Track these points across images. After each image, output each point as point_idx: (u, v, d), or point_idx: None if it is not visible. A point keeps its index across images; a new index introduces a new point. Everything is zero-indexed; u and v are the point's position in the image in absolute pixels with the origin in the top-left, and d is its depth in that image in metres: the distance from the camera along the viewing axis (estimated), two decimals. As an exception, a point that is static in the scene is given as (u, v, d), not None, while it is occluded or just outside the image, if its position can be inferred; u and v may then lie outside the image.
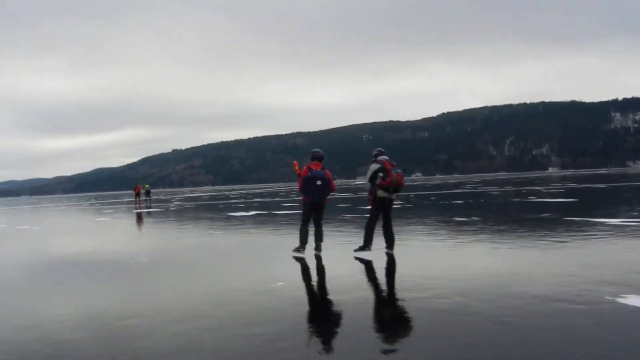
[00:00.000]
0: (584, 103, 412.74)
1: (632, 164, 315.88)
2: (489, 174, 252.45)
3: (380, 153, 12.06)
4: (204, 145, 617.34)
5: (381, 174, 11.58)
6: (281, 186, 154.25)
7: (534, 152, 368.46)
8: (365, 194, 12.20)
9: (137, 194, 53.65)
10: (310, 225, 12.32)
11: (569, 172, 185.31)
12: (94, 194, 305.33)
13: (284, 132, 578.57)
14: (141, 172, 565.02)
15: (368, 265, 10.66)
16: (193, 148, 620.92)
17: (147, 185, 53.80)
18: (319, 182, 11.91)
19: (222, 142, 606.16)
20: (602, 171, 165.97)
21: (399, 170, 11.72)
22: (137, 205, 49.18)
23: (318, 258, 11.77)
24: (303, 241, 12.27)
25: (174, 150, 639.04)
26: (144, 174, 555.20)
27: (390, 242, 11.97)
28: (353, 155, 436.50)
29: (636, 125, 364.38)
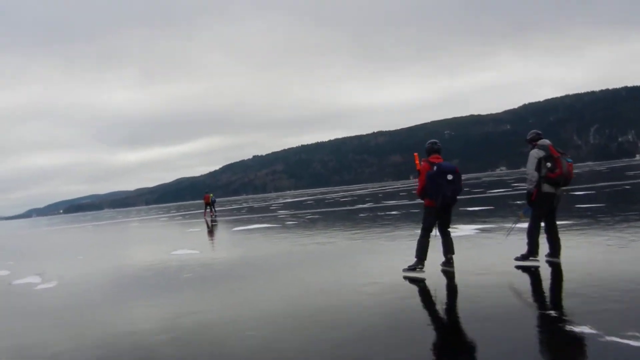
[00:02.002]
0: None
1: None
2: (577, 164, 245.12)
3: (538, 135, 10.23)
4: (284, 150, 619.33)
5: (548, 164, 9.66)
6: (377, 186, 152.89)
7: (619, 139, 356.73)
8: (529, 186, 9.95)
9: (207, 204, 49.22)
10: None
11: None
12: (175, 204, 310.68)
13: (364, 132, 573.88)
14: (223, 180, 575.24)
15: (535, 278, 9.09)
16: (274, 153, 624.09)
17: (211, 194, 50.65)
18: (450, 177, 9.60)
19: (302, 146, 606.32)
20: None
21: (569, 160, 9.80)
22: (211, 215, 47.21)
23: (449, 275, 9.68)
24: (422, 256, 9.97)
25: (254, 157, 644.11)
26: (226, 181, 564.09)
27: (556, 249, 10.06)
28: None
29: None
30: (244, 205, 78.18)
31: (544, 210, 9.93)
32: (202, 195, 50.34)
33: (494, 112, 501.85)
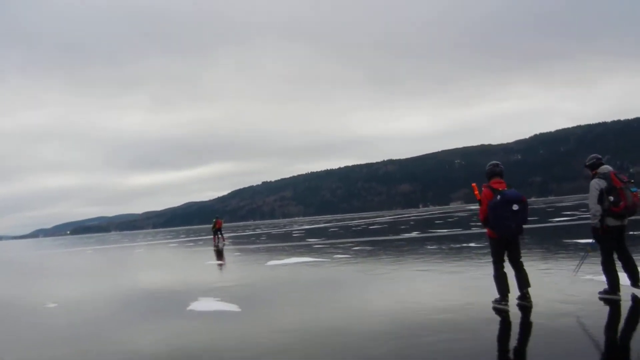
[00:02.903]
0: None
1: None
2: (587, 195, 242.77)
3: (599, 161, 9.44)
4: (293, 177, 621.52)
5: (611, 197, 8.88)
6: (387, 215, 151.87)
7: (631, 170, 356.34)
8: (593, 221, 9.17)
9: (218, 229, 44.99)
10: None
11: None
12: (184, 227, 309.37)
13: (374, 161, 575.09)
14: (232, 205, 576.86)
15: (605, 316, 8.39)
16: (283, 180, 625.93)
17: (214, 220, 46.44)
18: (515, 207, 8.79)
19: (311, 173, 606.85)
20: None
21: (634, 189, 8.98)
22: (222, 241, 44.18)
23: (526, 311, 8.90)
24: (503, 291, 9.26)
25: (263, 183, 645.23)
26: (234, 206, 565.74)
27: (635, 276, 9.23)
28: (445, 181, 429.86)
29: None
30: (258, 231, 75.60)
31: (612, 244, 9.22)
32: (212, 220, 46.07)
33: (504, 142, 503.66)
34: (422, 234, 34.11)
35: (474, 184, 9.83)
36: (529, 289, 9.23)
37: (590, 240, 9.73)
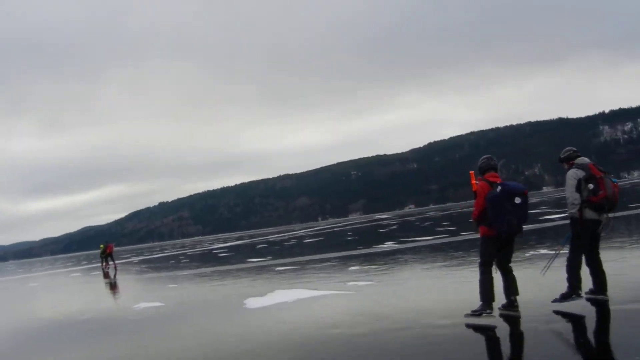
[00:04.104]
0: (571, 119, 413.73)
1: (626, 175, 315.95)
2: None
3: (575, 153, 9.06)
4: (190, 196, 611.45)
5: (590, 185, 8.46)
6: (285, 229, 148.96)
7: (526, 172, 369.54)
8: (572, 210, 8.66)
9: (109, 255, 40.59)
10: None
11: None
12: (83, 253, 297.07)
13: (270, 176, 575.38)
14: (129, 228, 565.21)
15: (578, 323, 7.98)
16: (180, 199, 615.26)
17: (102, 245, 41.83)
18: (517, 200, 7.99)
19: (208, 191, 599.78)
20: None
21: (615, 180, 8.64)
22: (114, 268, 39.16)
23: (515, 321, 8.15)
24: (489, 297, 8.34)
25: (160, 203, 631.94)
26: (132, 229, 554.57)
27: (601, 285, 8.80)
28: (343, 192, 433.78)
29: (626, 136, 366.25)
30: (169, 252, 68.67)
31: (585, 241, 8.77)
32: (101, 245, 41.85)
33: (400, 151, 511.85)
34: (399, 244, 29.41)
35: (471, 172, 9.11)
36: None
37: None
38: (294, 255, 30.95)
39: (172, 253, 62.68)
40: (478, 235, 8.97)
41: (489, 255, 8.58)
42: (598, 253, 8.96)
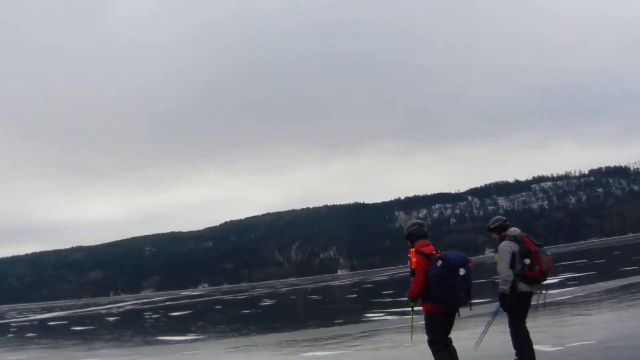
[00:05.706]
0: (368, 204, 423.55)
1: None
2: (279, 281, 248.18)
3: (504, 223, 8.86)
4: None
5: (527, 260, 8.23)
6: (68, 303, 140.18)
7: (321, 255, 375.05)
8: (503, 287, 8.37)
9: None
10: None
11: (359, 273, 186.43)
12: None
13: (63, 247, 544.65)
14: None
15: None
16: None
17: None
18: (462, 272, 7.40)
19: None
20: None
21: (548, 253, 8.46)
22: None
23: None
24: None
25: None
26: None
27: (530, 354, 8.43)
28: (136, 268, 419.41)
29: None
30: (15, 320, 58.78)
31: (523, 313, 8.57)
32: None
33: (195, 229, 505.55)
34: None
35: (411, 249, 7.78)
36: None
37: (494, 310, 9.18)
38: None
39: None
40: None
41: (438, 332, 7.80)
42: (525, 323, 8.65)
